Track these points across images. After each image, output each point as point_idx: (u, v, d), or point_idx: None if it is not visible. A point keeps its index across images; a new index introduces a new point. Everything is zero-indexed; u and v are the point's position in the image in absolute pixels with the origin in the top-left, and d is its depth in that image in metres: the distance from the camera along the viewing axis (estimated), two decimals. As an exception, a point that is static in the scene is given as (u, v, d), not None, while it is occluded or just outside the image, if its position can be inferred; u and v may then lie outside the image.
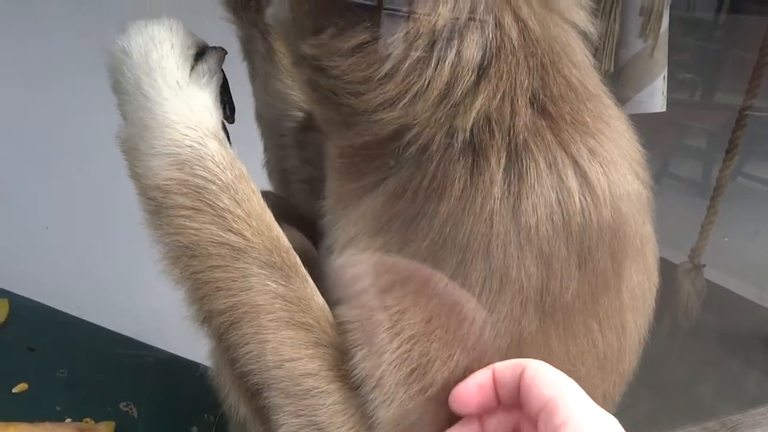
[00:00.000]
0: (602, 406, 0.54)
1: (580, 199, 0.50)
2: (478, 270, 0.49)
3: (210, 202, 0.47)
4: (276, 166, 0.76)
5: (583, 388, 0.52)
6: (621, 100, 1.56)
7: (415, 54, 0.48)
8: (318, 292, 0.52)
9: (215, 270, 0.47)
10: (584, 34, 0.57)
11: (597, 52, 1.54)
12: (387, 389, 0.48)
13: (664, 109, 1.56)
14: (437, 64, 0.48)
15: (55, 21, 1.19)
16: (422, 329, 0.49)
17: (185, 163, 0.47)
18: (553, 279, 0.50)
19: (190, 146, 0.47)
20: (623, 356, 0.55)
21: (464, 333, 0.49)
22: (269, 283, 0.48)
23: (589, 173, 0.51)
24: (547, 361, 0.50)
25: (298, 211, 0.70)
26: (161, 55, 0.48)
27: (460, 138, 0.49)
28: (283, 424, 0.49)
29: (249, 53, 0.74)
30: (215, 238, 0.47)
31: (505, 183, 0.49)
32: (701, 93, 2.87)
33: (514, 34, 0.50)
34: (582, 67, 0.55)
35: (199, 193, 0.47)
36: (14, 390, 0.64)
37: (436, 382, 0.48)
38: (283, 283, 0.49)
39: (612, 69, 1.53)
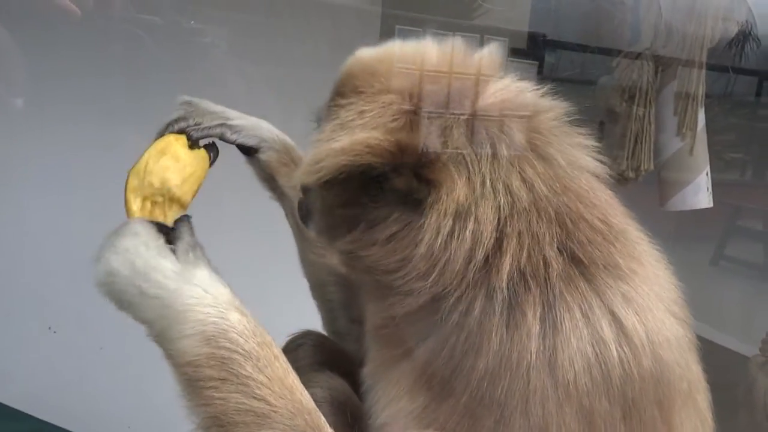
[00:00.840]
0: None
1: (617, 350, 0.51)
2: (517, 428, 0.49)
3: (234, 371, 0.50)
4: (327, 324, 0.78)
5: None
6: (664, 198, 1.57)
7: (444, 231, 0.52)
8: None
9: None
10: (596, 173, 0.58)
11: (635, 152, 1.56)
12: None
13: (710, 205, 1.54)
14: (459, 233, 0.52)
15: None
16: None
17: (210, 338, 0.51)
18: None
19: (213, 322, 0.51)
20: None
21: None
22: None
23: (624, 322, 0.52)
24: None
25: (345, 354, 0.72)
26: (144, 258, 0.52)
27: (499, 297, 0.51)
28: None
29: (291, 223, 0.79)
30: (240, 406, 0.50)
31: (540, 336, 0.50)
32: (752, 173, 2.81)
33: (523, 195, 0.53)
34: (603, 205, 0.57)
35: (224, 363, 0.50)
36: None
37: None
38: None
39: (652, 168, 1.53)
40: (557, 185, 0.54)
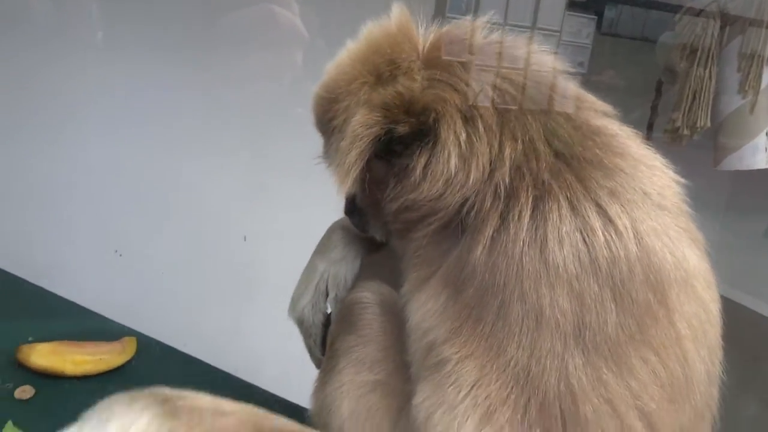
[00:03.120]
0: None
1: (603, 235, 0.54)
2: (516, 310, 0.53)
3: None
4: None
5: (658, 424, 0.54)
6: (719, 158, 1.54)
7: (462, 138, 0.56)
8: None
9: None
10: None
11: (692, 108, 1.54)
12: None
13: (767, 166, 1.51)
14: (474, 136, 0.56)
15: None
16: (479, 375, 0.53)
17: None
18: (588, 313, 0.53)
19: None
20: (692, 387, 0.56)
21: (515, 372, 0.53)
22: None
23: (610, 212, 0.55)
24: (608, 399, 0.52)
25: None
26: None
27: (502, 189, 0.55)
28: None
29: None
30: None
31: (532, 226, 0.54)
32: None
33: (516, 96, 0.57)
34: (587, 106, 0.60)
35: None
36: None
37: (503, 425, 0.52)
38: None
39: (708, 125, 1.51)
40: (545, 89, 0.58)
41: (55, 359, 0.86)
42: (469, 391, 0.53)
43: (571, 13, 1.81)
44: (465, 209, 0.56)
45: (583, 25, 1.88)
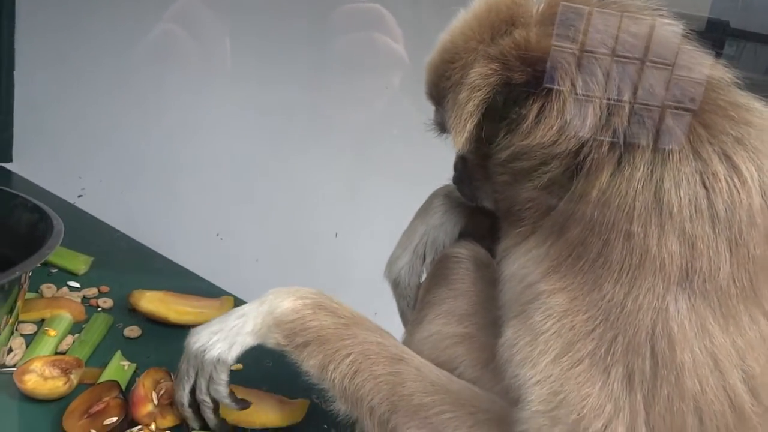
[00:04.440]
0: None
1: (726, 181, 0.51)
2: (619, 248, 0.52)
3: None
4: None
5: (758, 391, 0.50)
6: None
7: (578, 84, 0.55)
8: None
9: None
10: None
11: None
12: (541, 367, 0.52)
13: None
14: (592, 78, 0.55)
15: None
16: (568, 306, 0.52)
17: None
18: (698, 258, 0.51)
19: None
20: None
21: (607, 307, 0.51)
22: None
23: (735, 159, 0.52)
24: (712, 352, 0.50)
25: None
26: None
27: (621, 133, 0.54)
28: None
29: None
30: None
31: (649, 167, 0.53)
32: None
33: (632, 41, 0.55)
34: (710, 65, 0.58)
35: None
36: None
37: (582, 357, 0.51)
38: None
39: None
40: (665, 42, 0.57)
41: (161, 306, 0.92)
42: (555, 321, 0.52)
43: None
44: (580, 157, 0.56)
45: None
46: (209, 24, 1.43)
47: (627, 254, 0.52)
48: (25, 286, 0.76)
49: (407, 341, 0.67)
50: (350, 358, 0.59)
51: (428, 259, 0.73)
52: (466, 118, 0.58)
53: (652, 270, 0.51)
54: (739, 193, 0.52)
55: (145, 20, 1.35)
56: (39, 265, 0.99)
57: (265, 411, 0.73)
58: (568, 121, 0.56)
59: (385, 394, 0.58)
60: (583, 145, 0.56)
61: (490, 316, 0.62)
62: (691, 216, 0.51)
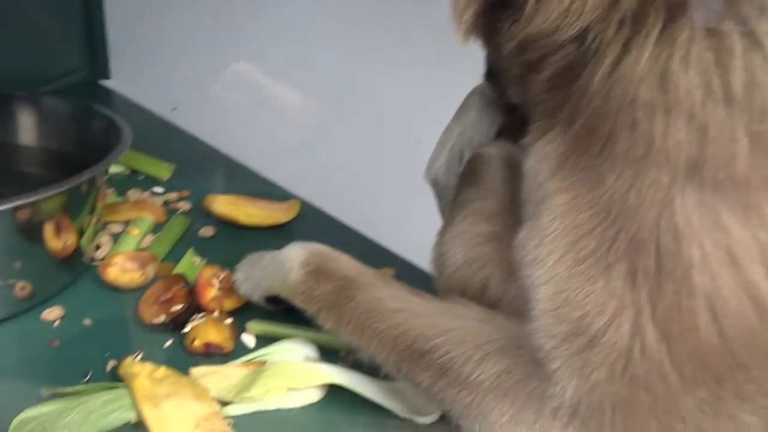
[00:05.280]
0: None
1: (743, 57, 0.45)
2: (624, 140, 0.48)
3: None
4: None
5: None
6: None
7: None
8: None
9: None
10: None
11: None
12: (548, 267, 0.51)
13: None
14: None
15: None
16: (572, 205, 0.50)
17: None
18: (711, 146, 0.46)
19: None
20: None
21: (609, 203, 0.48)
22: None
23: (756, 32, 0.45)
24: (727, 246, 0.46)
25: None
26: None
27: (629, 15, 0.48)
28: None
29: None
30: None
31: (657, 49, 0.47)
32: None
33: None
34: None
35: None
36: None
37: (585, 256, 0.49)
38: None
39: None
40: None
41: (232, 209, 0.98)
42: (560, 221, 0.51)
43: None
44: (586, 43, 0.52)
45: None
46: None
47: (631, 146, 0.48)
48: (103, 189, 0.84)
49: (438, 240, 0.67)
50: (353, 322, 0.61)
51: (465, 158, 0.72)
52: (462, 9, 0.56)
53: (656, 161, 0.47)
54: (760, 73, 0.45)
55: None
56: (128, 172, 1.10)
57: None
58: (567, 5, 0.51)
59: (390, 347, 0.58)
60: (587, 32, 0.51)
61: (520, 215, 0.61)
62: (702, 101, 0.46)
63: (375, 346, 0.60)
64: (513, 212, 0.62)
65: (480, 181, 0.65)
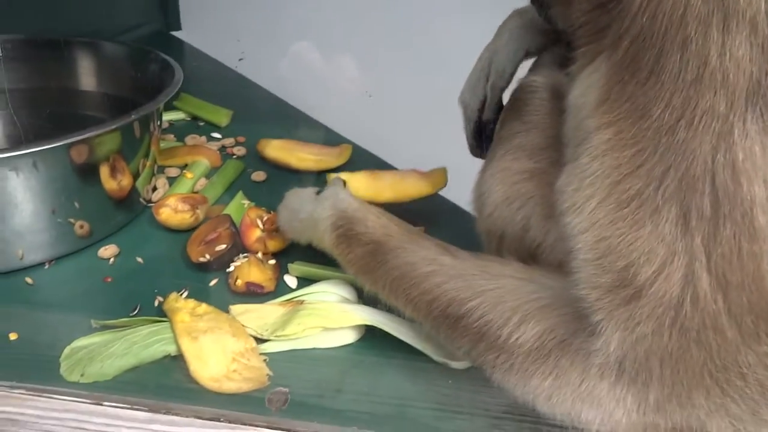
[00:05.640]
0: None
1: None
2: (673, 62, 0.41)
3: None
4: None
5: None
6: None
7: None
8: None
9: None
10: None
11: None
12: (588, 213, 0.46)
13: None
14: None
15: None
16: (615, 142, 0.44)
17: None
18: None
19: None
20: None
21: (656, 136, 0.42)
22: None
23: None
24: None
25: None
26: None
27: None
28: None
29: None
30: None
31: None
32: None
33: None
34: None
35: None
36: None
37: (630, 198, 0.44)
38: None
39: None
40: None
41: (284, 153, 0.98)
42: (601, 160, 0.45)
43: None
44: None
45: None
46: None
47: (681, 69, 0.41)
48: (156, 132, 0.86)
49: (480, 181, 0.64)
50: (387, 288, 0.59)
51: (491, 81, 0.68)
52: None
53: (711, 85, 0.40)
54: None
55: None
56: (189, 118, 1.12)
57: (411, 184, 0.84)
58: None
59: (425, 313, 0.56)
60: None
61: (563, 151, 0.56)
62: (764, 16, 0.39)
63: (411, 311, 0.58)
64: (558, 147, 0.57)
65: (523, 113, 0.60)
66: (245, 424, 0.54)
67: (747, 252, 0.41)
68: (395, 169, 0.97)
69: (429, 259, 0.57)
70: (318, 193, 0.72)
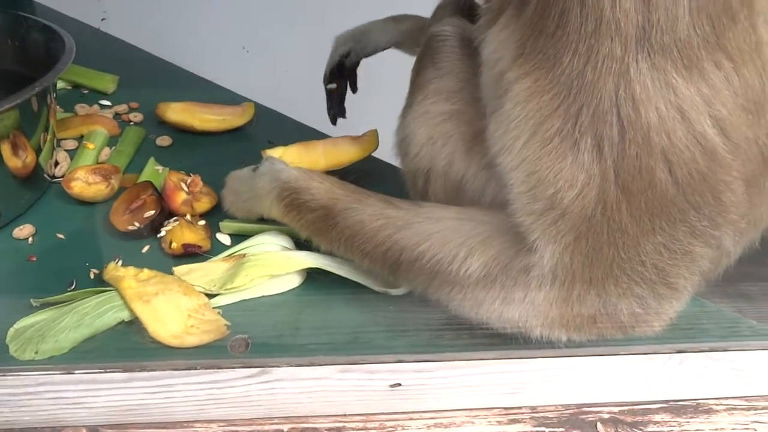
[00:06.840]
0: (758, 155, 0.53)
1: None
2: (574, 16, 0.50)
3: None
4: None
5: (729, 131, 0.51)
6: None
7: None
8: None
9: None
10: None
11: None
12: (516, 152, 0.54)
13: None
14: None
15: None
16: (534, 89, 0.52)
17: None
18: (655, 11, 0.49)
19: None
20: None
21: (568, 81, 0.51)
22: None
23: None
24: (677, 104, 0.50)
25: None
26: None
27: None
28: None
29: None
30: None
31: None
32: None
33: None
34: None
35: None
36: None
37: (552, 135, 0.52)
38: None
39: None
40: None
41: (186, 116, 0.98)
42: (523, 105, 0.53)
43: None
44: None
45: None
46: None
47: (582, 21, 0.50)
48: (53, 105, 0.82)
49: (400, 123, 0.70)
50: (342, 246, 0.64)
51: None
52: None
53: (608, 33, 0.49)
54: None
55: None
56: (71, 87, 1.07)
57: (344, 150, 0.87)
58: None
59: (381, 263, 0.62)
60: None
61: (477, 91, 0.64)
62: None
63: (368, 263, 0.64)
64: (471, 89, 0.65)
65: (436, 60, 0.67)
66: (221, 368, 0.58)
67: (645, 166, 0.52)
68: (301, 123, 1.01)
69: (377, 215, 0.63)
70: (255, 170, 0.74)
